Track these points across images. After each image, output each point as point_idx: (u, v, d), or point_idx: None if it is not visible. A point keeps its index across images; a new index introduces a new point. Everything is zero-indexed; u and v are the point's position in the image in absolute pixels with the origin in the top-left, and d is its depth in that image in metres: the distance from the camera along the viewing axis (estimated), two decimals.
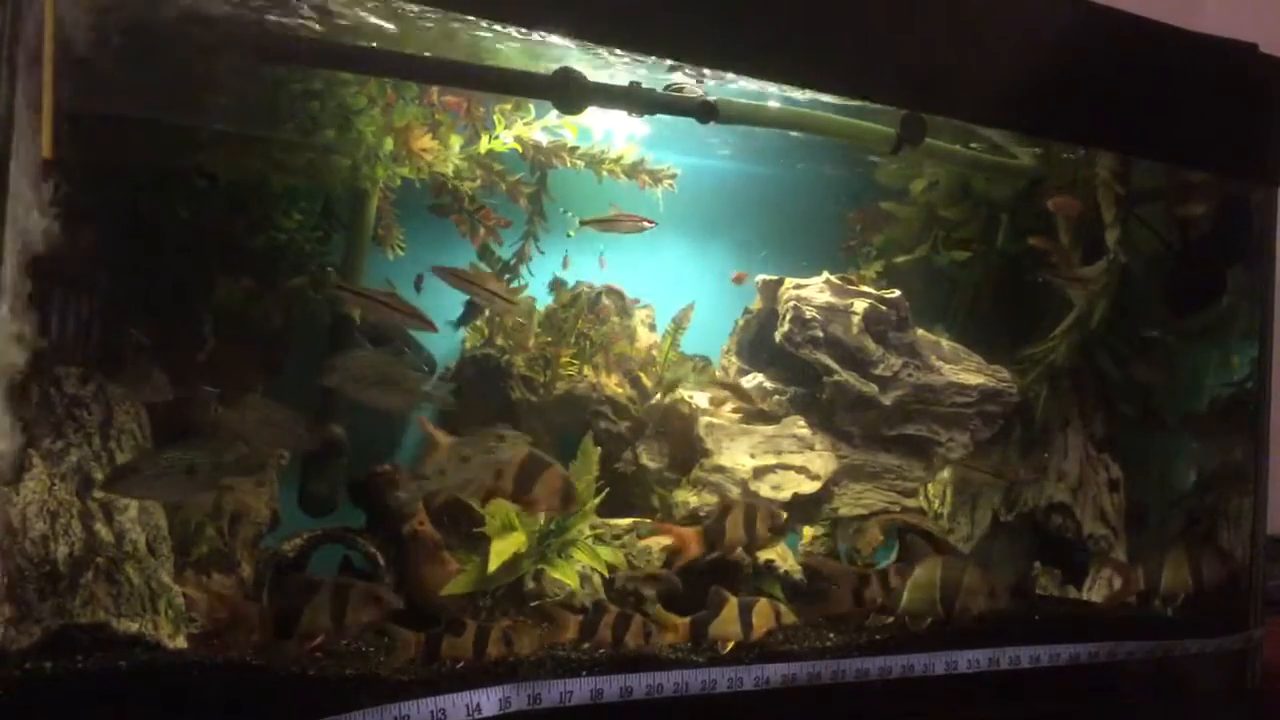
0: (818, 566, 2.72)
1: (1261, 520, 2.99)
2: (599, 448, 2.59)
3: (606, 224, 2.73)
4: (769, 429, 2.85)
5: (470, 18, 2.11)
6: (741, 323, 3.03)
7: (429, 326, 2.43)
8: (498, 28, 2.15)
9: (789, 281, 2.92)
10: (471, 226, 2.67)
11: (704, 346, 3.04)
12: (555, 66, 2.31)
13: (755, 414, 2.90)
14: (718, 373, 3.03)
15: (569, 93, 2.32)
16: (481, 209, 2.66)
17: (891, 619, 2.53)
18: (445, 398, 2.51)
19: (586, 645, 2.21)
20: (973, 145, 3.01)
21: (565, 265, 2.84)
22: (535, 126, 2.65)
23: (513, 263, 2.76)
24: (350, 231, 2.57)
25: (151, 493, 2.02)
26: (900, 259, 3.20)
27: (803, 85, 2.44)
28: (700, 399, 2.87)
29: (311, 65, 2.30)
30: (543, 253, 2.78)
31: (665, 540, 2.56)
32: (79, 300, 2.01)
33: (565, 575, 2.43)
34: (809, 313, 2.84)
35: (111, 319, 2.08)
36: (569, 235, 2.78)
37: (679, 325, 2.99)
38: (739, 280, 3.05)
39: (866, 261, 3.22)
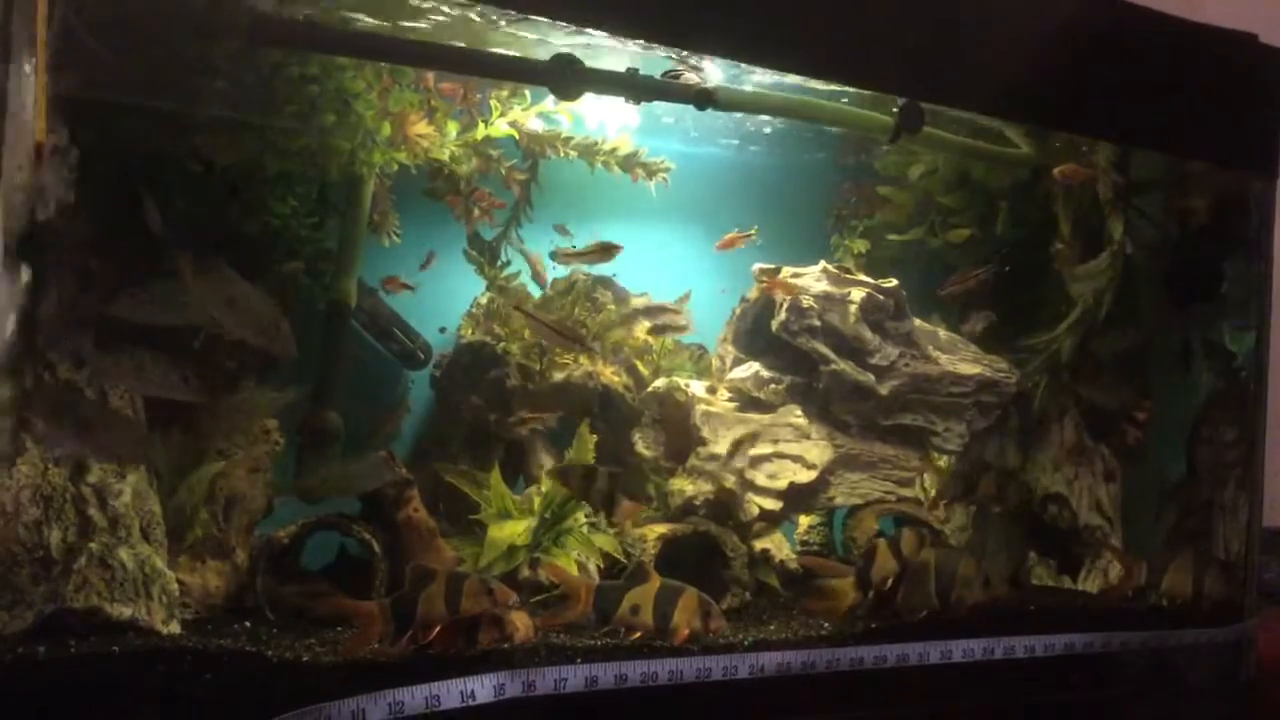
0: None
1: (1258, 512, 2.98)
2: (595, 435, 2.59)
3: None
4: (765, 418, 2.84)
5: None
6: (738, 311, 3.01)
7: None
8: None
9: (786, 270, 2.91)
10: (466, 209, 2.67)
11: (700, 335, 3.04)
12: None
13: (750, 402, 2.90)
14: (714, 361, 3.03)
15: (566, 79, 2.31)
16: (475, 191, 2.66)
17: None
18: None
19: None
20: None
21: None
22: (531, 113, 2.65)
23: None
24: (345, 217, 2.57)
25: None
26: (894, 237, 3.20)
27: (801, 73, 2.43)
28: (696, 387, 2.87)
29: (310, 49, 2.29)
30: (523, 241, 2.80)
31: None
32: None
33: (562, 563, 2.42)
34: (806, 301, 2.84)
35: None
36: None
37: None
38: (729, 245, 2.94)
39: (854, 236, 3.21)
